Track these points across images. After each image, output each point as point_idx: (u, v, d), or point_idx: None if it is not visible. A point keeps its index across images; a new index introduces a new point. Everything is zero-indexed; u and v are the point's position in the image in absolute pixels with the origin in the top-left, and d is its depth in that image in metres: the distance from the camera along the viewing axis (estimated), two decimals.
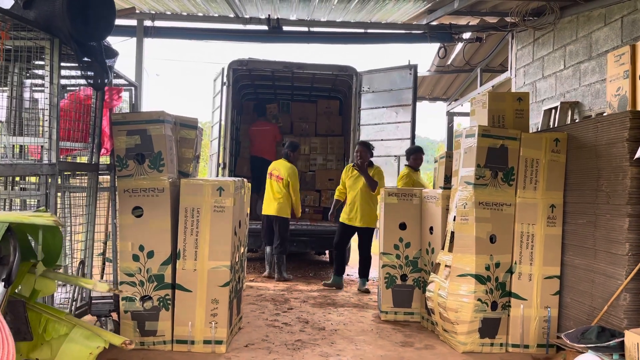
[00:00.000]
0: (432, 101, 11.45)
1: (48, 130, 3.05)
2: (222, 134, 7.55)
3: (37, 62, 3.23)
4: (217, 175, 7.58)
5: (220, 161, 7.53)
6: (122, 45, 7.69)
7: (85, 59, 3.28)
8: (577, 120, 5.66)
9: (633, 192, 3.40)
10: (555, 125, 5.81)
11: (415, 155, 6.63)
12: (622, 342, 2.80)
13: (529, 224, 4.11)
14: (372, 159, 6.47)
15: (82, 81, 3.70)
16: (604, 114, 4.44)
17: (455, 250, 4.11)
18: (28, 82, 3.62)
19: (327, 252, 8.94)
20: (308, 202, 9.15)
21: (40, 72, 3.19)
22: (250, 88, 9.16)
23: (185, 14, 7.49)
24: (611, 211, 3.57)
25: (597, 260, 3.70)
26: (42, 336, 2.00)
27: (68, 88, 4.24)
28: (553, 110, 6.11)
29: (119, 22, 7.39)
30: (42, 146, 3.08)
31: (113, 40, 7.29)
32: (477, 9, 6.87)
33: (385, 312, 5.01)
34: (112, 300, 3.93)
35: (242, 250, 4.63)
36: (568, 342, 3.14)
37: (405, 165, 6.70)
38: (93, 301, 3.88)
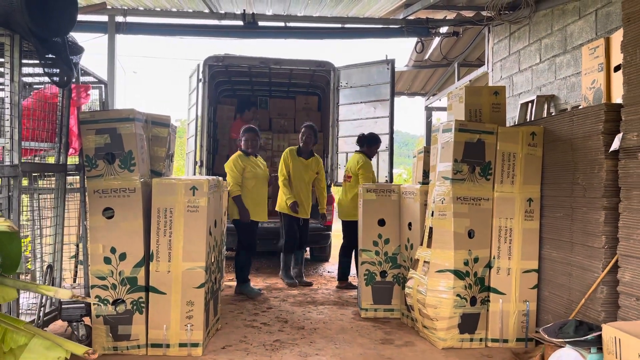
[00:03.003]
0: (410, 96, 11.47)
1: (9, 130, 2.93)
2: (198, 131, 7.43)
3: None
4: (195, 174, 7.46)
5: (197, 159, 7.42)
6: (96, 42, 7.54)
7: (49, 55, 3.16)
8: (553, 114, 5.68)
9: (608, 185, 3.39)
10: (532, 119, 5.82)
11: (377, 145, 6.38)
12: (600, 336, 2.79)
13: (506, 218, 4.10)
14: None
15: (48, 79, 3.57)
16: (580, 107, 4.45)
17: (434, 246, 4.08)
18: None
19: (307, 249, 8.88)
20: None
21: (0, 69, 3.06)
22: (227, 84, 9.04)
23: (158, 9, 7.34)
24: (587, 204, 3.57)
25: (574, 254, 3.70)
26: (1, 347, 1.91)
27: (34, 86, 4.10)
28: (530, 104, 6.13)
29: (90, 18, 7.26)
30: (3, 147, 2.95)
31: (84, 37, 7.15)
32: (454, 3, 6.87)
33: (365, 309, 4.97)
34: (83, 305, 3.82)
35: (218, 251, 4.54)
36: (546, 336, 3.13)
37: (360, 152, 6.28)
38: (63, 306, 3.77)
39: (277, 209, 6.26)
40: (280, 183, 6.19)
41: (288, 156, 6.16)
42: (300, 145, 6.24)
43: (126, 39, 7.64)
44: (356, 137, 6.74)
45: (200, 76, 7.34)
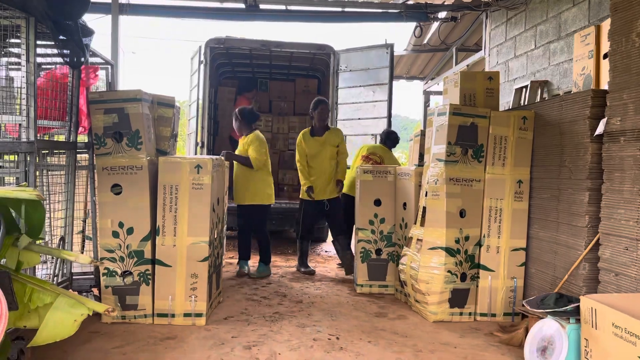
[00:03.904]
0: (409, 80, 11.59)
1: (26, 109, 3.09)
2: (199, 113, 7.56)
3: (13, 41, 3.24)
4: (196, 154, 7.61)
5: (199, 140, 7.56)
6: (97, 23, 7.59)
7: (62, 37, 3.30)
8: (546, 99, 5.84)
9: (593, 168, 3.57)
10: (526, 104, 5.98)
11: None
12: (578, 307, 2.99)
13: (497, 199, 4.29)
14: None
15: (59, 59, 3.71)
16: (570, 93, 4.61)
17: (427, 225, 4.27)
18: (4, 60, 3.63)
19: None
20: (287, 181, 9.25)
21: (16, 50, 3.21)
22: (228, 66, 9.16)
23: None
24: (573, 186, 3.75)
25: (559, 233, 3.89)
26: (28, 305, 2.09)
27: (44, 66, 4.24)
28: (524, 89, 6.28)
29: None
30: (20, 124, 3.12)
31: (88, 18, 7.21)
32: None
33: (361, 285, 5.18)
34: (92, 276, 4.02)
35: (220, 227, 4.73)
36: (529, 308, 3.33)
37: (386, 146, 6.59)
38: (74, 277, 3.96)
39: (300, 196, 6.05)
40: (298, 170, 5.97)
41: (302, 140, 5.89)
42: (314, 123, 5.92)
43: (125, 19, 7.74)
44: (355, 121, 6.90)
45: (202, 58, 7.44)
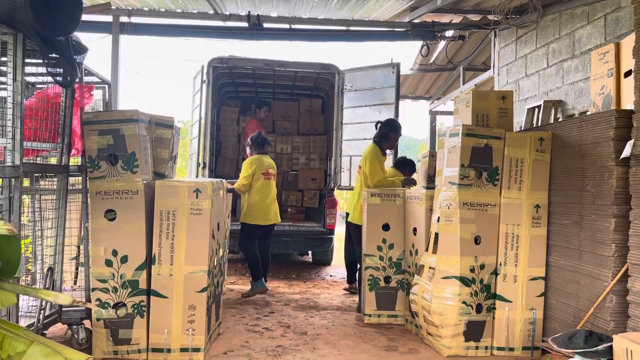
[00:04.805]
0: (414, 100, 11.41)
1: (11, 130, 2.88)
2: (201, 133, 7.38)
3: (2, 59, 3.05)
4: (197, 176, 7.41)
5: (200, 161, 7.37)
6: (100, 43, 7.48)
7: (52, 54, 3.11)
8: (560, 119, 5.63)
9: (619, 192, 3.34)
10: (539, 124, 5.77)
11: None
12: (611, 347, 2.74)
13: (513, 225, 4.04)
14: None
15: (51, 78, 3.52)
16: (588, 113, 4.40)
17: (440, 252, 4.02)
18: None
19: (309, 252, 8.82)
20: (290, 202, 9.01)
21: (3, 68, 3.01)
22: (231, 86, 9.01)
23: (163, 10, 7.30)
24: (596, 211, 3.51)
25: (582, 262, 3.64)
26: None
27: (37, 86, 4.06)
28: (536, 109, 6.08)
29: (95, 18, 7.23)
30: (4, 147, 2.91)
31: (89, 37, 7.12)
32: (460, 7, 6.81)
33: (369, 315, 4.91)
34: (83, 308, 3.77)
35: (221, 254, 4.50)
36: (555, 346, 3.07)
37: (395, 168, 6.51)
38: (63, 309, 3.72)
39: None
40: (382, 182, 5.24)
41: (379, 152, 5.36)
42: (386, 144, 5.54)
43: (130, 39, 7.60)
44: (360, 141, 6.74)
45: (204, 78, 7.28)
